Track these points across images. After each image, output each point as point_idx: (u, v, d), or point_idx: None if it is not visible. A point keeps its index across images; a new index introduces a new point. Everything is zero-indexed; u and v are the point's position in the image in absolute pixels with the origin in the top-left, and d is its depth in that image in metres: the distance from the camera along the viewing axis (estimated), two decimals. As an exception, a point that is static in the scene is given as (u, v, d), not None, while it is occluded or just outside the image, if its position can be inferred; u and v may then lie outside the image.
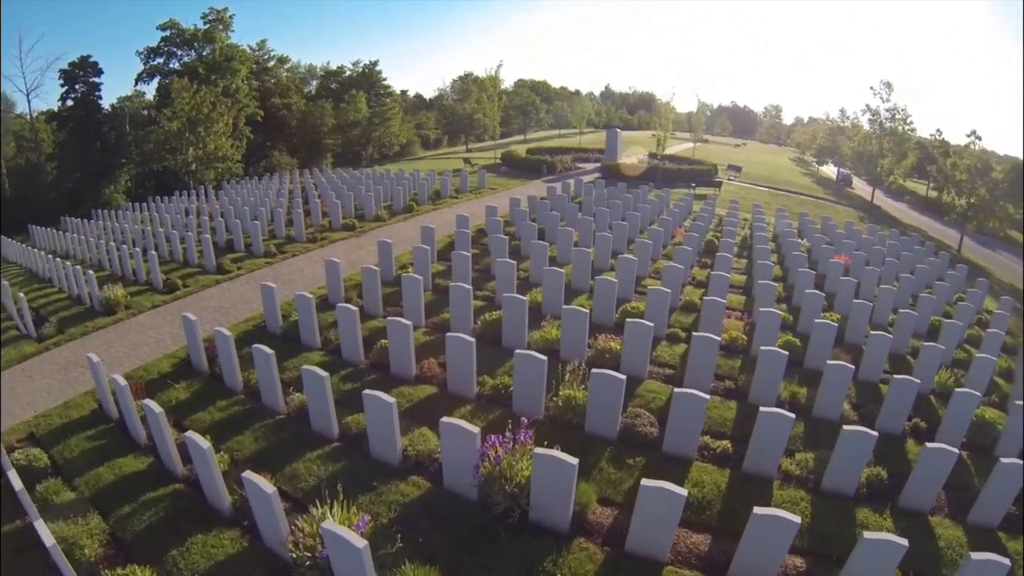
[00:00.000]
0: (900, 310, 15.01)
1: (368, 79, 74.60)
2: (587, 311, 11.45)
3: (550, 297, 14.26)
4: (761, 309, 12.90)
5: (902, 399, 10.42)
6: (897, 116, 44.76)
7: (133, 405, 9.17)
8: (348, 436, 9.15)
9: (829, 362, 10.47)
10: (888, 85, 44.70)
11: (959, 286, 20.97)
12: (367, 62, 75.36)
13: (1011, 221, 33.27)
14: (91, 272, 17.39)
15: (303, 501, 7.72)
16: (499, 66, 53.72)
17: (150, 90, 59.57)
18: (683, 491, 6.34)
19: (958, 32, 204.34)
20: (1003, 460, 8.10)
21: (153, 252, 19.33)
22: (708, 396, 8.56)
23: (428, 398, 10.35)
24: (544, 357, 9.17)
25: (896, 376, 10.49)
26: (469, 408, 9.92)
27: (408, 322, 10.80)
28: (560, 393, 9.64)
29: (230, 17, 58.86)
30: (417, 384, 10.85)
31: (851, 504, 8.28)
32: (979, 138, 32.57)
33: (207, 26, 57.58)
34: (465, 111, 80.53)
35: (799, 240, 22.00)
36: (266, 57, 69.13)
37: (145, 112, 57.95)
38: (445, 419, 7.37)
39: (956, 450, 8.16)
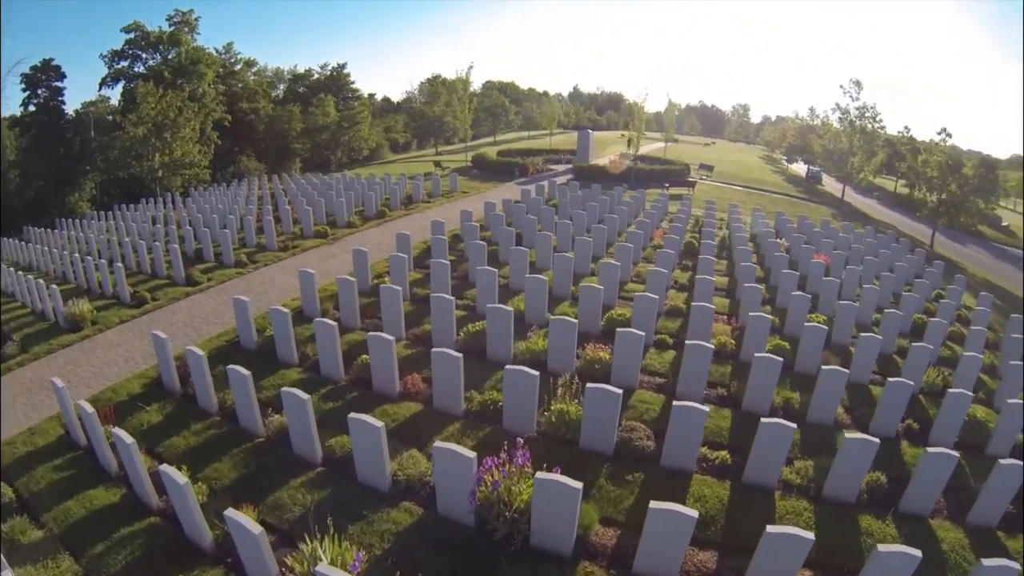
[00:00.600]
0: (886, 310, 15.02)
1: (336, 82, 73.67)
2: (576, 321, 11.11)
3: (533, 306, 13.90)
4: (751, 314, 12.72)
5: (896, 402, 10.42)
6: (867, 114, 45.42)
7: (102, 432, 8.59)
8: (333, 460, 8.69)
9: (824, 367, 10.37)
10: (857, 84, 45.38)
11: (937, 283, 21.17)
12: (335, 65, 74.52)
13: (981, 216, 33.89)
14: (55, 287, 16.61)
15: (290, 533, 7.27)
16: (470, 67, 53.23)
17: (115, 95, 58.04)
18: (694, 513, 6.07)
19: (924, 33, 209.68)
20: (1002, 461, 8.14)
21: (120, 264, 18.56)
22: (707, 408, 8.33)
23: (414, 416, 9.92)
24: (536, 373, 8.81)
25: (891, 379, 10.46)
26: (458, 426, 9.53)
27: (390, 337, 10.35)
28: (552, 408, 9.32)
29: (196, 19, 57.52)
30: (401, 401, 10.41)
31: (853, 511, 8.20)
32: (949, 135, 33.20)
33: (172, 29, 56.08)
34: (435, 114, 79.91)
35: (778, 240, 22.00)
36: (233, 60, 67.76)
37: (110, 117, 56.15)
38: (438, 444, 6.98)
39: (956, 454, 8.15)
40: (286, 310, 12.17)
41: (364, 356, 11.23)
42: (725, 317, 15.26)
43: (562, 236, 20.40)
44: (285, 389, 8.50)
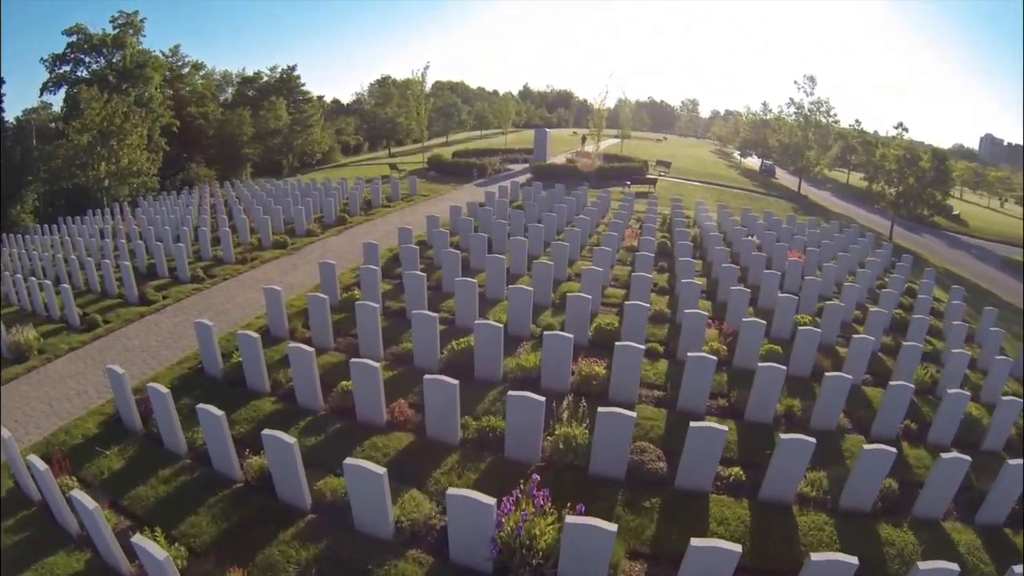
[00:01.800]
0: (871, 308, 14.95)
1: (287, 85, 71.65)
2: (570, 336, 10.52)
3: (517, 317, 13.30)
4: (744, 320, 12.41)
5: (897, 404, 10.37)
6: (821, 109, 46.20)
7: (58, 490, 7.54)
8: (323, 505, 7.82)
9: (828, 374, 10.18)
10: (811, 79, 46.08)
11: (906, 276, 21.35)
12: (285, 67, 72.43)
13: (939, 207, 34.74)
14: (-6, 314, 15.31)
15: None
16: (426, 68, 52.16)
17: (57, 101, 55.21)
18: (737, 548, 5.63)
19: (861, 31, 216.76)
20: (1010, 462, 8.22)
21: (67, 285, 17.25)
22: (725, 428, 7.92)
23: (406, 449, 9.15)
24: (542, 398, 8.23)
25: (891, 383, 10.41)
26: (456, 457, 8.84)
27: (376, 364, 9.52)
28: (557, 433, 8.74)
29: (141, 21, 54.94)
30: (390, 432, 9.61)
31: (871, 520, 8.09)
32: (906, 129, 33.99)
33: (117, 31, 53.46)
34: (387, 115, 78.55)
35: (751, 239, 21.91)
36: (180, 63, 65.18)
37: (52, 125, 53.29)
38: (452, 491, 6.29)
39: (967, 458, 8.12)
40: (255, 335, 11.18)
41: (345, 383, 10.35)
42: (711, 321, 14.88)
43: (533, 240, 19.81)
44: (266, 433, 7.64)
